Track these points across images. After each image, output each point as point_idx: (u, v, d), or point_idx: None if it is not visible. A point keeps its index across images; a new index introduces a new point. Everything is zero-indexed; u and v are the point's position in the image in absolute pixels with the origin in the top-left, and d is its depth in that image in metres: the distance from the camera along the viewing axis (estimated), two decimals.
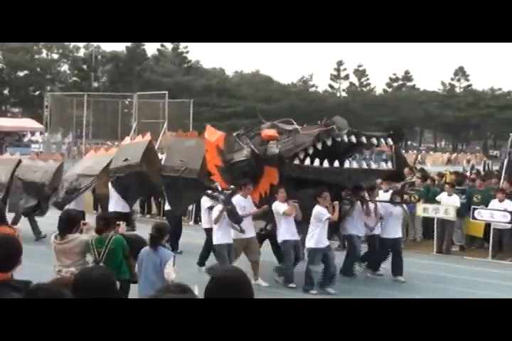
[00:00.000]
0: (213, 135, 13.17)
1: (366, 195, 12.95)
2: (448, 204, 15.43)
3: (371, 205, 12.76)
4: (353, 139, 11.54)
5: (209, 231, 12.51)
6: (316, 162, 11.54)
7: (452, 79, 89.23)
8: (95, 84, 79.60)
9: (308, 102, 79.25)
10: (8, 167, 16.60)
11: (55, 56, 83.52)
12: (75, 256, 8.01)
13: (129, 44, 79.87)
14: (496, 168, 31.01)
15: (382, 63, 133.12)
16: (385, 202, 13.14)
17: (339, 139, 11.47)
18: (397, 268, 12.83)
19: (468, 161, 52.06)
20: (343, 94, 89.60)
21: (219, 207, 11.52)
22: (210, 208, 12.24)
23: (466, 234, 16.38)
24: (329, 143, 11.48)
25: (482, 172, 26.29)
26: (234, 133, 13.13)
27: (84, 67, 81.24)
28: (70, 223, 8.14)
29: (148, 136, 14.77)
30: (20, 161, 16.78)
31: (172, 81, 72.39)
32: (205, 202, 12.70)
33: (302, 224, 11.93)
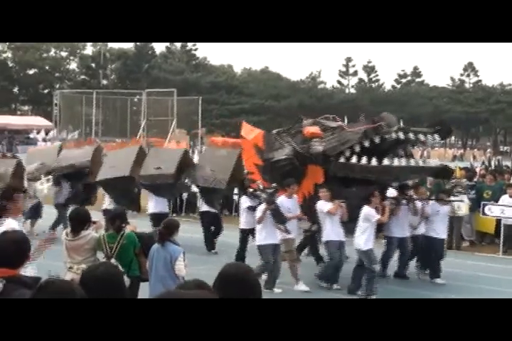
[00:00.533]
0: (250, 133, 12.91)
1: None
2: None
3: (418, 204, 12.24)
4: (401, 136, 10.97)
5: (245, 232, 12.29)
6: (364, 160, 11.06)
7: (462, 75, 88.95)
8: (104, 82, 79.77)
9: (317, 99, 79.13)
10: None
11: (64, 54, 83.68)
12: (86, 253, 8.03)
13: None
14: (506, 163, 30.89)
15: (391, 59, 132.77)
16: (433, 200, 12.55)
17: (388, 136, 11.01)
18: (436, 270, 12.37)
19: (474, 157, 51.89)
20: (352, 90, 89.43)
21: (262, 206, 11.08)
22: (250, 208, 11.93)
23: (477, 230, 16.31)
24: (377, 140, 11.07)
25: (491, 168, 26.16)
26: (273, 131, 12.78)
27: (93, 65, 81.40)
28: (81, 220, 8.17)
29: (184, 144, 14.78)
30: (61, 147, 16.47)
31: (180, 78, 72.43)
32: (244, 201, 12.28)
33: (348, 225, 11.41)
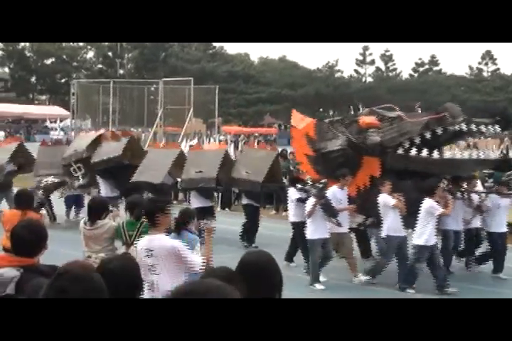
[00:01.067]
0: (301, 122, 12.46)
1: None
2: None
3: (474, 196, 11.80)
4: (464, 127, 10.52)
5: (297, 225, 11.87)
6: (425, 152, 10.67)
7: (479, 63, 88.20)
8: (121, 71, 79.92)
9: (334, 88, 78.84)
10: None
11: (81, 43, 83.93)
12: (104, 242, 8.07)
13: None
14: None
15: (409, 48, 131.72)
16: (492, 193, 11.98)
17: (451, 128, 10.58)
18: (499, 265, 11.90)
19: (486, 146, 51.09)
20: (369, 79, 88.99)
21: (312, 200, 10.76)
22: (299, 200, 11.59)
23: None
24: (439, 132, 10.66)
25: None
26: (326, 120, 12.38)
27: (110, 54, 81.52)
28: (99, 209, 8.20)
29: (224, 145, 14.83)
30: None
31: (197, 67, 72.39)
32: (293, 193, 11.85)
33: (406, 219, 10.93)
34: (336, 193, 11.12)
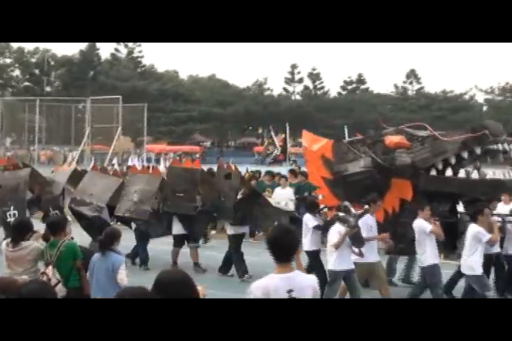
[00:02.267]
0: (315, 142, 11.67)
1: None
2: None
3: (495, 219, 10.66)
4: (507, 147, 9.86)
5: (313, 254, 11.11)
6: (462, 173, 10.14)
7: (405, 82, 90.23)
8: (48, 89, 78.53)
9: (263, 106, 79.40)
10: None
11: (8, 61, 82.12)
12: (27, 264, 7.93)
13: (82, 48, 79.01)
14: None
15: (336, 66, 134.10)
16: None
17: (493, 147, 9.92)
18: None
19: None
20: (298, 97, 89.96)
21: (339, 229, 9.63)
22: (317, 228, 10.85)
23: None
24: (478, 151, 10.00)
25: None
26: (344, 141, 11.63)
27: (37, 71, 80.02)
28: (23, 230, 8.07)
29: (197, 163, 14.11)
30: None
31: (128, 85, 71.75)
32: (309, 220, 11.02)
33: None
34: (368, 220, 10.13)
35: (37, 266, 8.06)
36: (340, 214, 9.82)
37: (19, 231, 8.01)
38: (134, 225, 13.89)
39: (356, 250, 9.89)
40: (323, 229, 10.61)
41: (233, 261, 12.83)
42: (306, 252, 11.13)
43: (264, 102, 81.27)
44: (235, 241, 12.75)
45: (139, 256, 13.79)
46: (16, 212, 13.39)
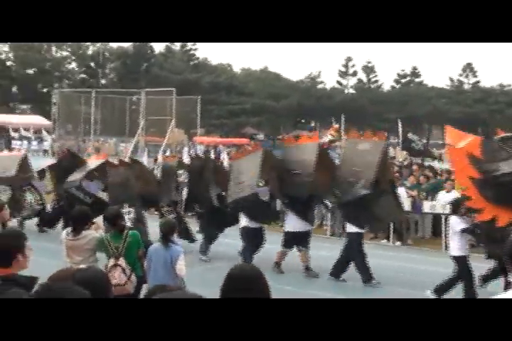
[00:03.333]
0: (460, 139, 10.96)
1: None
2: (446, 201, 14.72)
3: None
4: None
5: (461, 260, 10.50)
6: None
7: (460, 76, 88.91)
8: (103, 81, 79.70)
9: (316, 99, 79.19)
10: None
11: (65, 53, 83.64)
12: (85, 253, 8.03)
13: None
14: None
15: (391, 60, 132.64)
16: None
17: None
18: None
19: None
20: (351, 90, 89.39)
21: None
22: (465, 231, 10.35)
23: None
24: None
25: None
26: (495, 137, 10.61)
27: (92, 64, 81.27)
28: (84, 220, 8.17)
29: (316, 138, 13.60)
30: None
31: (180, 78, 72.31)
32: (456, 223, 10.48)
33: None
34: None
35: (95, 255, 8.14)
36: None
37: (80, 221, 8.11)
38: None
39: None
40: (471, 232, 10.06)
41: (356, 264, 12.23)
42: (453, 257, 10.55)
43: (317, 95, 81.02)
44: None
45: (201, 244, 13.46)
46: (131, 209, 13.24)
